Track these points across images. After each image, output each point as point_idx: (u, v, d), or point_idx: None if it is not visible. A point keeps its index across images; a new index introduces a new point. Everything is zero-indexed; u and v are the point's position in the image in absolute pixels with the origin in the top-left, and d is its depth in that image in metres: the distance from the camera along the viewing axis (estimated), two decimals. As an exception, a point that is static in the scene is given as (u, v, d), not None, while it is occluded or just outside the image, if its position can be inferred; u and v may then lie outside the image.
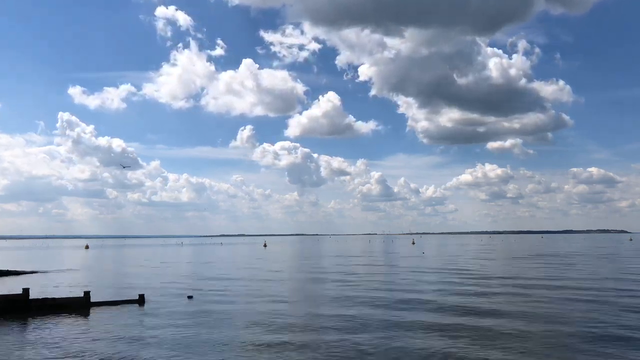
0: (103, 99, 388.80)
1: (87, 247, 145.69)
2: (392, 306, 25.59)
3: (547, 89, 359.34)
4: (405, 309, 24.55)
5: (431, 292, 30.89)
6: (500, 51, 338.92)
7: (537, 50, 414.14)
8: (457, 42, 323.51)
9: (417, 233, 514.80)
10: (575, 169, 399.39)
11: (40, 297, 26.07)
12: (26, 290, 25.52)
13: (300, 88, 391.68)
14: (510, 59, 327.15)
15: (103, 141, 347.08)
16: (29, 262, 69.57)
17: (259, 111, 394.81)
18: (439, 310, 24.29)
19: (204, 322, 21.66)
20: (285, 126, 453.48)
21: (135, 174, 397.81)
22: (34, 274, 47.17)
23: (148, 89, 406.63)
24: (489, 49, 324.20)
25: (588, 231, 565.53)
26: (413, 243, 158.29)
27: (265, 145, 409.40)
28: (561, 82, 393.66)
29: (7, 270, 47.50)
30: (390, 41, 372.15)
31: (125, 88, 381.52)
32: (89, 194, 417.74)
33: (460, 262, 61.32)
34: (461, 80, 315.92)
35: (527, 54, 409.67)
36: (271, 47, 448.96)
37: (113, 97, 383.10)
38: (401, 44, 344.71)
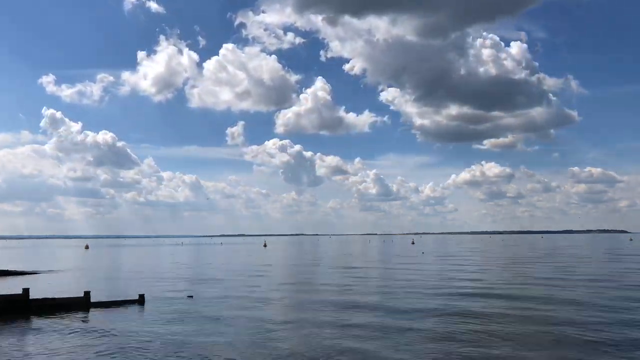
0: (83, 94, 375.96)
1: (87, 247, 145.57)
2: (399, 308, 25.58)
3: (550, 84, 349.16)
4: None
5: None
6: (502, 43, 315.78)
7: (539, 44, 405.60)
8: (456, 31, 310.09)
9: (416, 233, 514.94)
10: (575, 169, 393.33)
11: (40, 297, 25.99)
12: (26, 290, 25.45)
13: (289, 78, 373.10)
14: (509, 47, 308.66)
15: (96, 138, 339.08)
16: (28, 262, 69.49)
17: (248, 104, 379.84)
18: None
19: (205, 322, 21.61)
20: (274, 122, 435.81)
21: (129, 172, 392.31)
22: (34, 274, 47.10)
23: (128, 84, 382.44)
24: (490, 40, 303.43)
25: (588, 231, 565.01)
26: (413, 243, 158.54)
27: (257, 146, 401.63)
28: (569, 76, 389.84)
29: (7, 270, 47.44)
30: (385, 29, 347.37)
31: (106, 80, 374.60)
32: (83, 193, 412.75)
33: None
34: (460, 73, 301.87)
35: (531, 44, 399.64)
36: (244, 30, 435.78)
37: (94, 91, 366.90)
38: (397, 32, 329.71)
